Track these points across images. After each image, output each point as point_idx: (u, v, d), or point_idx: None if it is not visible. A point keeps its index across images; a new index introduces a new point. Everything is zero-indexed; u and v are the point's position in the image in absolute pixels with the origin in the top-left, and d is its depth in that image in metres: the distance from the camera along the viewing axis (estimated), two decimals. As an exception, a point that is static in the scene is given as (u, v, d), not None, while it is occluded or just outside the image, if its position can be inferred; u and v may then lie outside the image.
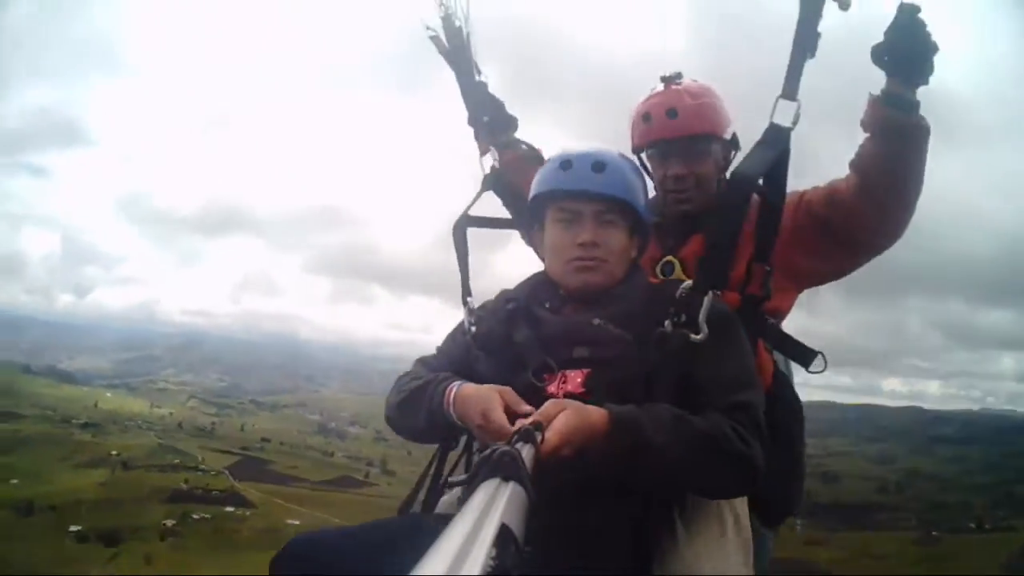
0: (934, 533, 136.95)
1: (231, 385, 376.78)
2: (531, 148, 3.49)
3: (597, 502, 2.09)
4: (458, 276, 2.92)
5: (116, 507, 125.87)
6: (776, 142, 2.56)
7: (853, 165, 2.89)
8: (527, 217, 2.75)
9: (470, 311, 2.73)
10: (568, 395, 2.16)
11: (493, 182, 3.27)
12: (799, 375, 3.17)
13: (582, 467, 1.92)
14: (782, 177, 2.61)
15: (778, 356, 3.00)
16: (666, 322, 2.26)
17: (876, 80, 2.80)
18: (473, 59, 3.44)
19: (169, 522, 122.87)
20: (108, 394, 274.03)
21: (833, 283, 3.19)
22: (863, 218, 2.89)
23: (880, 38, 2.60)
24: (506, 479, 1.33)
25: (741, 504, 2.58)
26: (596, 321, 2.37)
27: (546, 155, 3.22)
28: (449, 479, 1.44)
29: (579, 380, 2.26)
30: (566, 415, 1.82)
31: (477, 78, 3.43)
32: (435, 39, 3.37)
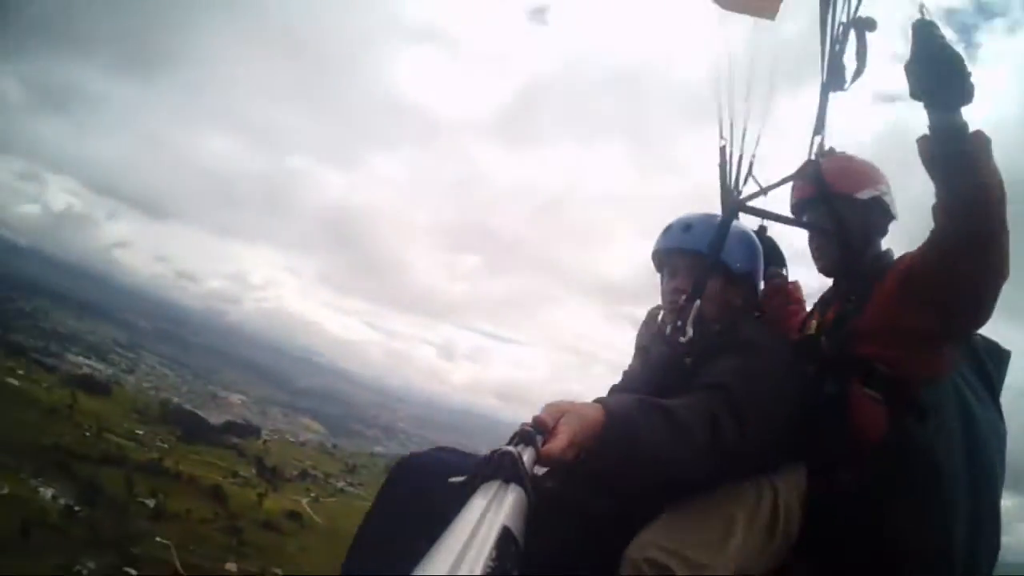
0: None
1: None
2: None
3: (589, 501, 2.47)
4: None
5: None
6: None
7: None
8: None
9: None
10: None
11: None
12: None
13: (579, 467, 2.11)
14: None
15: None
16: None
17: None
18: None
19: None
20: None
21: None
22: (933, 270, 2.89)
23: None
24: (506, 481, 1.38)
25: (761, 507, 2.81)
26: (687, 360, 3.06)
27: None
28: (449, 480, 1.26)
29: None
30: (567, 418, 1.91)
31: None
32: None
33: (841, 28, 3.34)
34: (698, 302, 3.21)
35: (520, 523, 1.26)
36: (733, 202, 3.67)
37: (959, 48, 2.45)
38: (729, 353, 2.88)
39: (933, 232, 2.88)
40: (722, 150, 3.73)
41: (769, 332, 3.18)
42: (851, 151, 3.60)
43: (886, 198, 3.49)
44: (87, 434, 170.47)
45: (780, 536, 2.83)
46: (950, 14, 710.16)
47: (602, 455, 1.97)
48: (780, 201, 3.64)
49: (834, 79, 3.39)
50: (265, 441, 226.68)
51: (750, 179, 3.72)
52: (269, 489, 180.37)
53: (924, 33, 2.49)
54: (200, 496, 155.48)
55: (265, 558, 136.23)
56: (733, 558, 2.64)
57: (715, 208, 3.75)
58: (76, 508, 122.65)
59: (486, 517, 1.18)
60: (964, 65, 2.46)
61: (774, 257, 3.93)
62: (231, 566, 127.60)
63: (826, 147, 3.50)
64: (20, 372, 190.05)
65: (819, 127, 3.43)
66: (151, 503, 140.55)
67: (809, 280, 3.86)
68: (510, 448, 1.52)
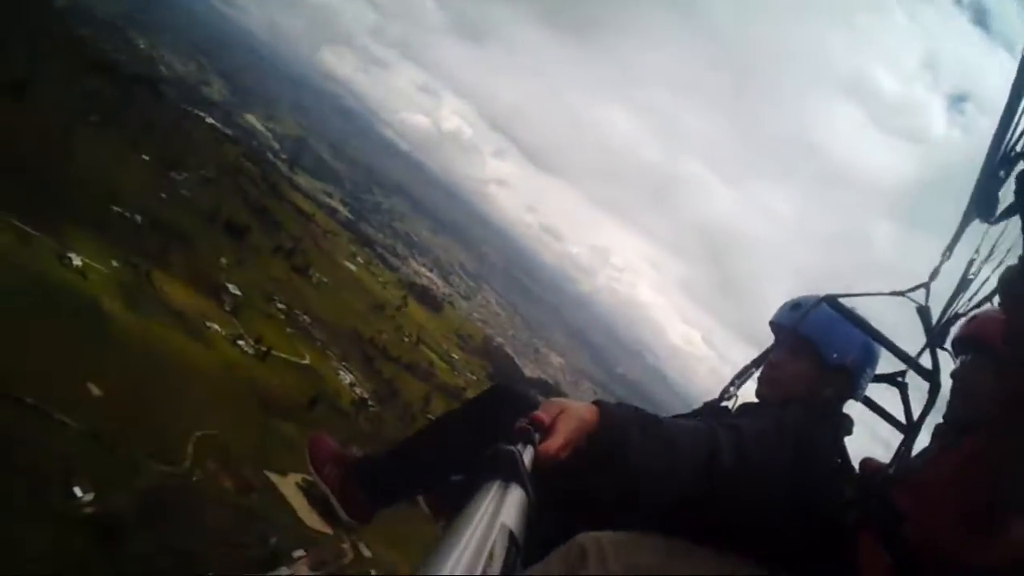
0: None
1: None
2: None
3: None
4: None
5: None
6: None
7: None
8: None
9: None
10: None
11: None
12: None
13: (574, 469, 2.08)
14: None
15: None
16: None
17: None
18: None
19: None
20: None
21: None
22: None
23: None
24: (507, 480, 1.39)
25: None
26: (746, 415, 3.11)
27: None
28: (450, 479, 1.63)
29: None
30: (563, 417, 1.88)
31: None
32: None
33: (1012, 155, 2.79)
34: (757, 370, 3.42)
35: (520, 523, 1.27)
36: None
37: None
38: (769, 416, 2.89)
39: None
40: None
41: (819, 430, 2.98)
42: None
43: None
44: (405, 339, 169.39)
45: None
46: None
47: (590, 456, 1.97)
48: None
49: (981, 207, 2.89)
50: None
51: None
52: None
53: None
54: None
55: None
56: None
57: None
58: (370, 403, 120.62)
59: (486, 517, 1.19)
60: None
61: None
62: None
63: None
64: (361, 261, 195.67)
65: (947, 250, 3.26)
66: None
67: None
68: (511, 448, 1.50)
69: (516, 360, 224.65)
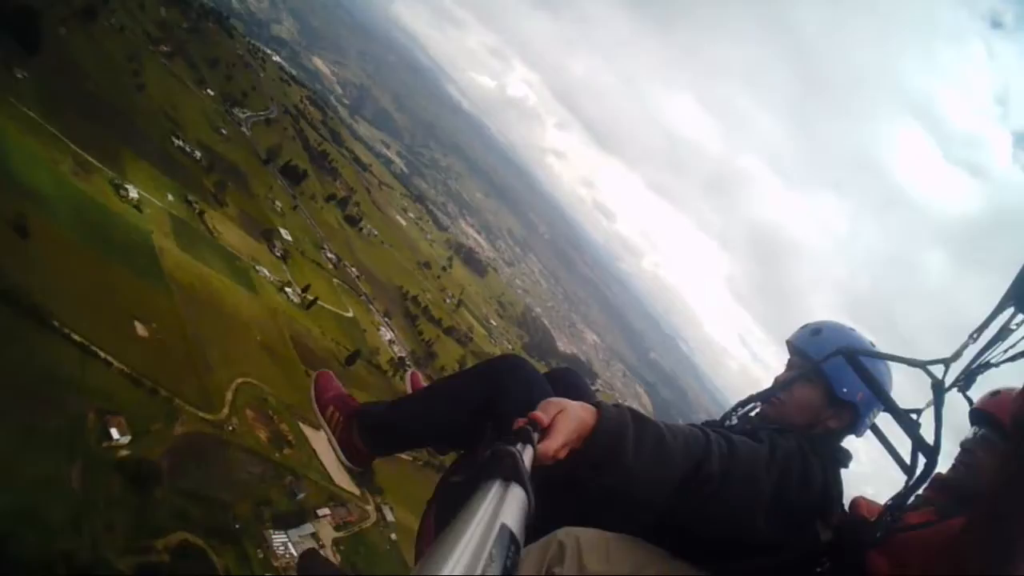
0: None
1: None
2: None
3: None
4: None
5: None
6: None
7: None
8: None
9: None
10: None
11: None
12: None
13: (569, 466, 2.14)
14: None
15: None
16: None
17: None
18: None
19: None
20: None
21: None
22: None
23: None
24: (507, 480, 1.39)
25: None
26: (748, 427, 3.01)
27: None
28: (451, 479, 1.64)
29: None
30: (562, 417, 1.90)
31: None
32: None
33: None
34: (760, 406, 3.28)
35: (520, 522, 1.27)
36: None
37: None
38: (766, 440, 2.76)
39: None
40: None
41: (812, 463, 2.86)
42: None
43: None
44: (447, 300, 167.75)
45: None
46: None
47: (585, 456, 2.01)
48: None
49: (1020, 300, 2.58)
50: (597, 390, 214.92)
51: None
52: None
53: None
54: None
55: None
56: None
57: None
58: (407, 363, 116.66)
59: (486, 516, 1.19)
60: None
61: None
62: None
63: None
64: (412, 216, 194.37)
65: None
66: None
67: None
68: (510, 448, 1.50)
69: (552, 332, 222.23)
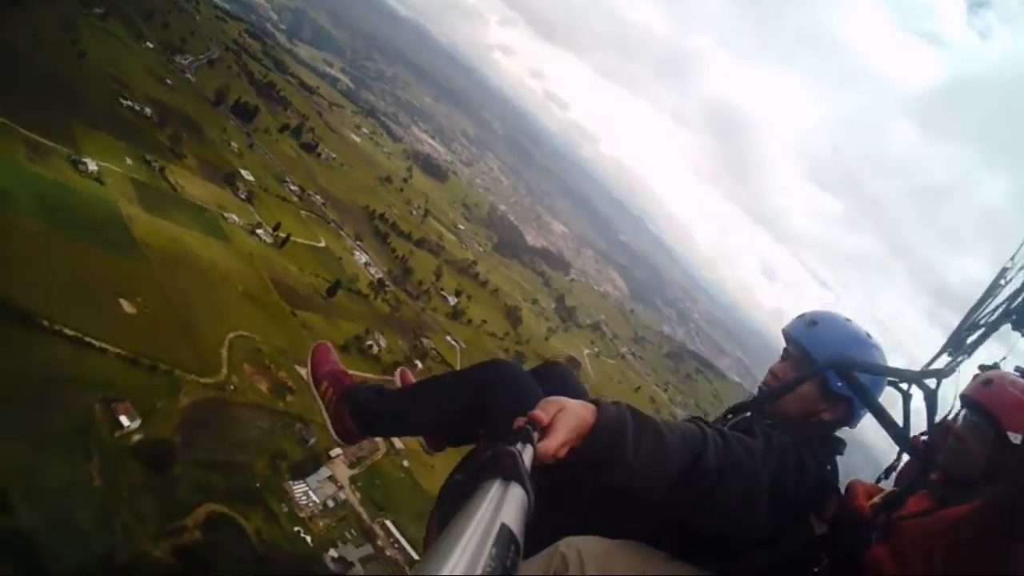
0: None
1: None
2: None
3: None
4: None
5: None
6: None
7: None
8: None
9: None
10: None
11: None
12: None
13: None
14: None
15: None
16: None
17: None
18: None
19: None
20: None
21: None
22: None
23: None
24: (507, 479, 1.39)
25: None
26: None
27: None
28: (451, 479, 1.38)
29: None
30: (562, 416, 1.88)
31: None
32: None
33: None
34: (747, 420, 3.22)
35: (520, 522, 1.27)
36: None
37: None
38: (761, 435, 2.78)
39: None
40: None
41: (807, 456, 2.90)
42: None
43: None
44: (413, 212, 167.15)
45: None
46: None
47: (585, 455, 1.99)
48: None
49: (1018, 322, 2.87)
50: (572, 279, 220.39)
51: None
52: (560, 327, 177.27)
53: None
54: (497, 310, 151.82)
55: None
56: None
57: None
58: (386, 284, 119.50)
59: (486, 516, 1.20)
60: None
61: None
62: None
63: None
64: (366, 131, 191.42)
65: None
66: (452, 300, 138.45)
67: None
68: (510, 447, 1.51)
69: (520, 228, 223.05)
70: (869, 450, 3.94)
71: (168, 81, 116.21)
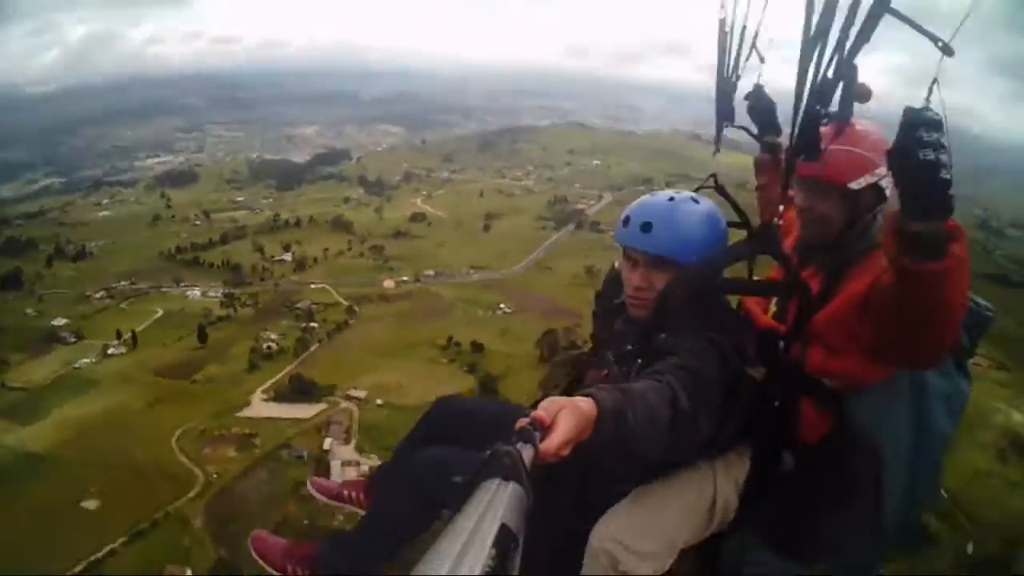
0: None
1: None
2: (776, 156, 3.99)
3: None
4: None
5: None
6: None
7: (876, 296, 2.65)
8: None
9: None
10: None
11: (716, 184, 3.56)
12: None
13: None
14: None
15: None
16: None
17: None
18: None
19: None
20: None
21: None
22: (880, 346, 2.77)
23: None
24: (506, 479, 1.37)
25: (700, 498, 3.13)
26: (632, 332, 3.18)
27: None
28: (451, 479, 1.30)
29: (603, 375, 3.22)
30: (564, 414, 1.86)
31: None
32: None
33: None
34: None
35: (520, 522, 1.26)
36: (727, 89, 3.53)
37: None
38: (690, 339, 2.82)
39: (876, 323, 2.68)
40: (721, 23, 3.33)
41: (730, 327, 3.01)
42: None
43: (882, 182, 3.12)
44: (197, 223, 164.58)
45: (717, 519, 3.15)
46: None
47: (594, 446, 2.00)
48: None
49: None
50: (359, 159, 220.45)
51: (752, 58, 3.35)
52: (383, 202, 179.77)
53: (910, 135, 2.11)
54: (326, 232, 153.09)
55: (415, 264, 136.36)
56: (672, 545, 3.04)
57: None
58: (232, 293, 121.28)
59: (486, 516, 1.19)
60: (945, 183, 2.12)
61: (770, 121, 3.87)
62: (389, 283, 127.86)
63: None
64: (106, 201, 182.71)
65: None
66: (288, 257, 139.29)
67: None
68: (510, 447, 1.49)
69: (285, 157, 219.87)
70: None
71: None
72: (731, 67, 3.43)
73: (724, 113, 3.62)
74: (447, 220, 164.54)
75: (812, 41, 2.36)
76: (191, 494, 68.26)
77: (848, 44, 2.29)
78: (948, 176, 2.09)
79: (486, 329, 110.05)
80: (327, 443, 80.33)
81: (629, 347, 3.12)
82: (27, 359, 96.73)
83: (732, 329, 2.98)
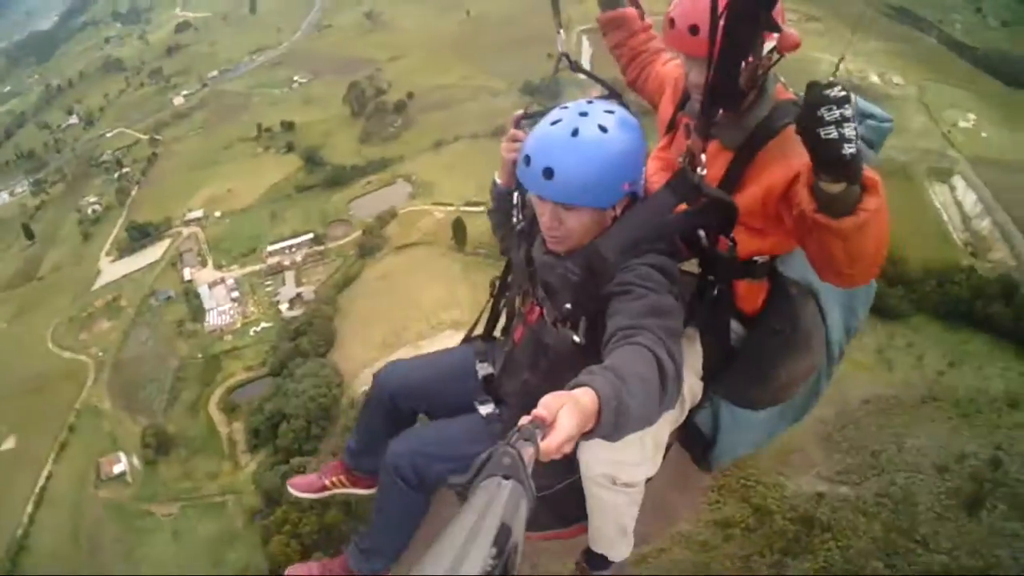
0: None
1: None
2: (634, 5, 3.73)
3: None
4: None
5: None
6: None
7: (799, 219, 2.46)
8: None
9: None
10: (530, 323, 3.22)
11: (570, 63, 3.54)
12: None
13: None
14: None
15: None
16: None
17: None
18: None
19: None
20: None
21: None
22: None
23: None
24: (506, 478, 1.36)
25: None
26: (560, 271, 2.95)
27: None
28: (450, 479, 1.45)
29: (537, 312, 3.15)
30: (565, 411, 1.84)
31: None
32: None
33: None
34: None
35: (520, 521, 1.25)
36: None
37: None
38: (634, 279, 2.69)
39: (808, 250, 2.59)
40: None
41: (661, 239, 2.86)
42: None
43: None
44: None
45: (687, 406, 3.24)
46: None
47: (598, 434, 2.00)
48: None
49: None
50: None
51: None
52: (143, 27, 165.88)
53: (810, 115, 2.08)
54: (101, 78, 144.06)
55: (197, 71, 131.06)
56: (658, 444, 3.19)
57: None
58: (32, 187, 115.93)
59: (486, 515, 1.18)
60: (851, 158, 2.08)
61: None
62: (178, 99, 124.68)
63: None
64: None
65: None
66: (74, 119, 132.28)
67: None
68: (510, 447, 1.48)
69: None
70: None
71: None
72: None
73: None
74: (212, 17, 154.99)
75: None
76: (89, 382, 68.98)
77: None
78: (852, 150, 2.03)
79: (289, 106, 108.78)
80: (186, 273, 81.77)
81: (568, 306, 2.91)
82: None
83: (663, 241, 2.86)
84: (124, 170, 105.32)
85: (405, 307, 66.69)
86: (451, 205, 79.66)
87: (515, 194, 3.38)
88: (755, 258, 2.98)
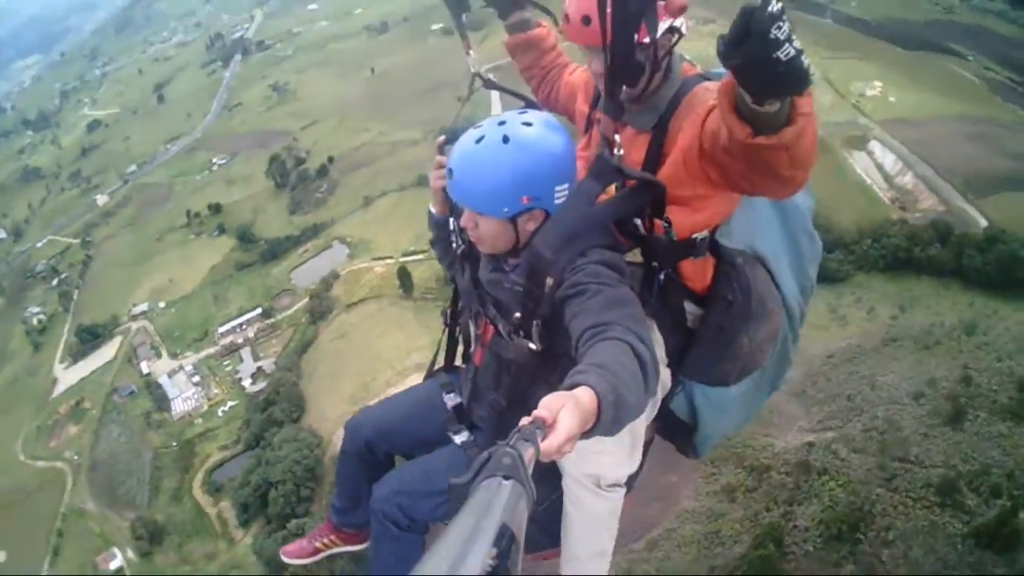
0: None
1: None
2: (542, 24, 3.63)
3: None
4: None
5: None
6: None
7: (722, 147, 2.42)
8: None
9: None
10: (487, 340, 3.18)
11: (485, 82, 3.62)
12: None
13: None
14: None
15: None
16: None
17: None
18: None
19: None
20: None
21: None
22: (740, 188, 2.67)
23: None
24: (506, 478, 1.35)
25: None
26: (507, 285, 2.96)
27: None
28: (450, 480, 1.42)
29: (492, 330, 3.11)
30: (567, 412, 1.80)
31: None
32: None
33: None
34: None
35: (520, 521, 1.24)
36: None
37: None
38: (586, 277, 2.66)
39: (726, 177, 2.56)
40: None
41: (607, 261, 2.77)
42: None
43: (676, 21, 2.83)
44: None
45: (660, 396, 3.20)
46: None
47: (599, 432, 1.97)
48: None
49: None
50: (12, 107, 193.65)
51: None
52: (53, 131, 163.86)
53: (763, 41, 1.78)
54: (21, 189, 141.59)
55: (116, 169, 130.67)
56: (636, 439, 3.13)
57: None
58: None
59: (486, 516, 1.17)
60: (807, 72, 1.88)
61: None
62: (101, 199, 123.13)
63: None
64: None
65: None
66: (1, 233, 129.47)
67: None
68: (510, 447, 1.46)
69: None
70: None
71: None
72: None
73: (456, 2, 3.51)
74: (121, 113, 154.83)
75: None
76: (69, 486, 68.78)
77: None
78: (807, 61, 1.84)
79: (212, 189, 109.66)
80: (144, 367, 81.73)
81: (518, 315, 2.81)
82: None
83: (599, 231, 2.84)
84: (62, 275, 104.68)
85: (368, 360, 68.17)
86: (391, 258, 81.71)
87: (451, 220, 3.35)
88: (694, 236, 2.93)
